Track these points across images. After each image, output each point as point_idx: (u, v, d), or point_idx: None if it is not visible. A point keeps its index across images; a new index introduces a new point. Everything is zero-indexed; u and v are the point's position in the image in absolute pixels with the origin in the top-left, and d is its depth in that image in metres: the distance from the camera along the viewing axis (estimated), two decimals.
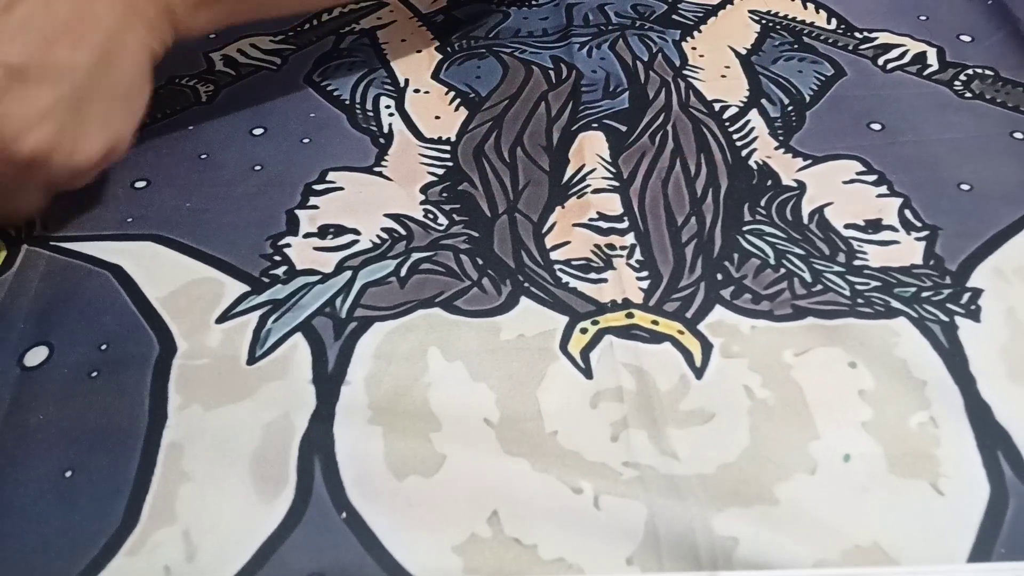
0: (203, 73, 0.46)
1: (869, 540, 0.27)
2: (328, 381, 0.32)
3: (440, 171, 0.40)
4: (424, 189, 0.39)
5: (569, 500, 0.28)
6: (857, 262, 0.35)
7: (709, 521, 0.27)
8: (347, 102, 0.44)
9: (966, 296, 0.34)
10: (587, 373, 0.32)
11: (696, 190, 0.38)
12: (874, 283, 0.34)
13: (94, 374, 0.32)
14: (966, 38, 0.46)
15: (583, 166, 0.40)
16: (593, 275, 0.35)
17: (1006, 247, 0.35)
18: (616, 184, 0.39)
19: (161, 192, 0.39)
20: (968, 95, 0.43)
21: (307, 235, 0.37)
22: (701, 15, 0.49)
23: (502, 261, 0.36)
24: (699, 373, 0.31)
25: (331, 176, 0.40)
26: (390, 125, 0.42)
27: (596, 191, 0.38)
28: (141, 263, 0.36)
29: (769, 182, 0.39)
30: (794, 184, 0.38)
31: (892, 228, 0.36)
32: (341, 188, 0.39)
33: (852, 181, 0.38)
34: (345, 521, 0.28)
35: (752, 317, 0.33)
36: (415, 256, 0.36)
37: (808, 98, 0.43)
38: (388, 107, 0.43)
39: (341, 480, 0.29)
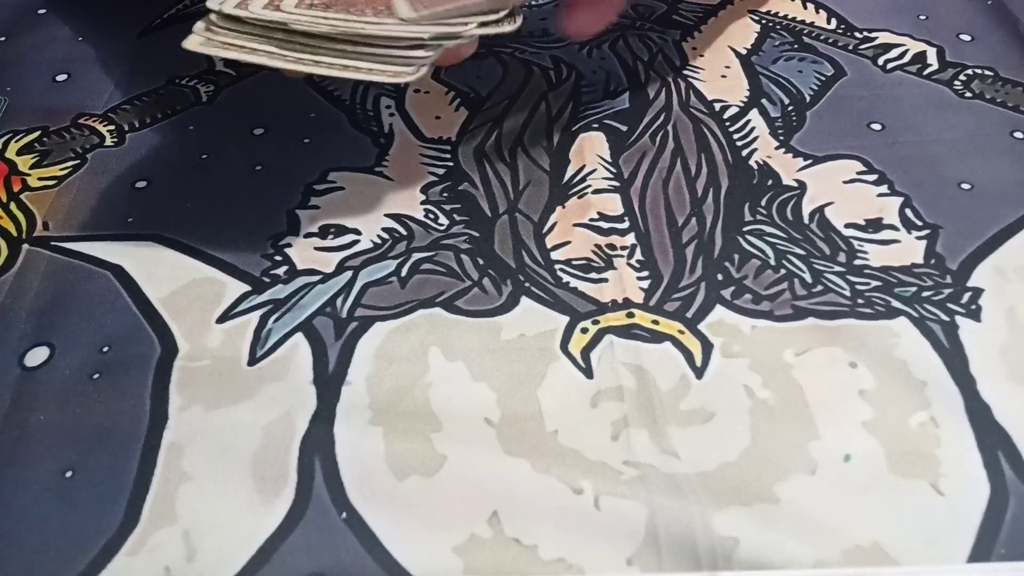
0: (203, 73, 0.46)
1: (869, 540, 0.27)
2: (329, 381, 0.32)
3: (441, 171, 0.40)
4: (425, 189, 0.39)
5: (569, 500, 0.28)
6: (858, 262, 0.35)
7: (709, 521, 0.27)
8: (347, 102, 0.44)
9: (967, 295, 0.34)
10: (587, 373, 0.32)
11: (697, 190, 0.38)
12: (875, 283, 0.34)
13: (95, 375, 0.32)
14: (966, 38, 0.46)
15: (583, 166, 0.40)
16: (594, 275, 0.35)
17: (1007, 246, 0.35)
18: (616, 184, 0.39)
19: (162, 192, 0.39)
20: (968, 95, 0.43)
21: (308, 235, 0.37)
22: (701, 15, 0.49)
23: (503, 261, 0.36)
24: (699, 373, 0.31)
25: (332, 176, 0.40)
26: (390, 125, 0.42)
27: (597, 191, 0.38)
28: (142, 263, 0.36)
29: (770, 182, 0.39)
30: (794, 184, 0.38)
31: (893, 227, 0.36)
32: (342, 188, 0.39)
33: (853, 181, 0.38)
34: (345, 521, 0.28)
35: (753, 317, 0.33)
36: (416, 256, 0.36)
37: (808, 98, 0.43)
38: (388, 107, 0.43)
39: (341, 480, 0.29)
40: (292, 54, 0.31)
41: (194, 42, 0.31)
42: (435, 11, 0.31)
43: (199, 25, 0.31)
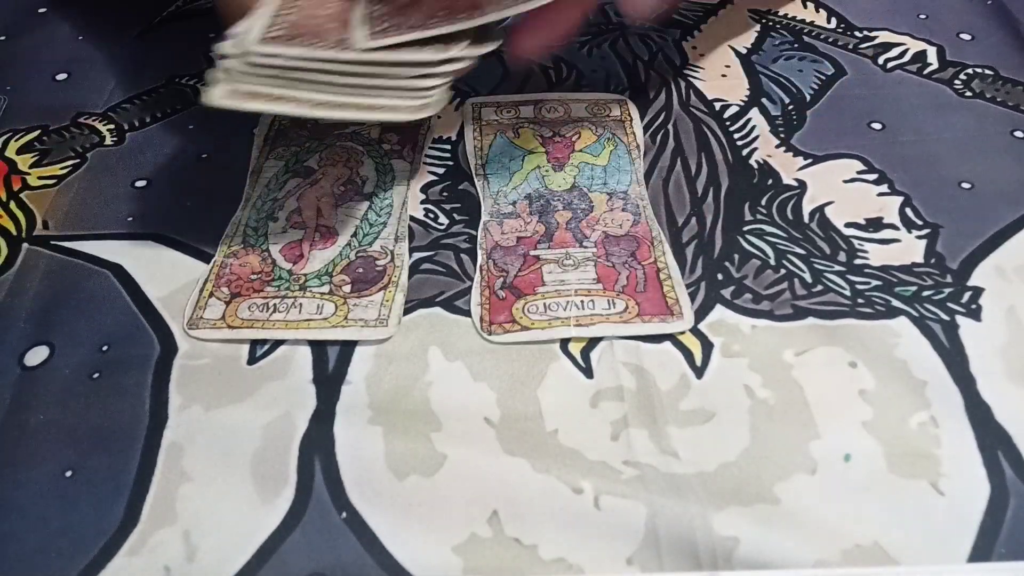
0: (203, 72, 0.45)
1: (869, 540, 0.27)
2: (329, 381, 0.32)
3: (441, 170, 0.40)
4: (424, 188, 0.39)
5: (569, 500, 0.28)
6: (858, 261, 0.35)
7: (709, 521, 0.27)
8: None
9: (967, 295, 0.34)
10: (587, 372, 0.32)
11: (697, 189, 0.38)
12: (875, 282, 0.34)
13: (95, 374, 0.32)
14: (966, 37, 0.46)
15: None
16: None
17: (1007, 245, 0.35)
18: None
19: (162, 191, 0.39)
20: (968, 94, 0.43)
21: None
22: (701, 15, 0.49)
23: None
24: (699, 372, 0.31)
25: None
26: None
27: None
28: (142, 262, 0.36)
29: (770, 181, 0.38)
30: (795, 183, 0.38)
31: (893, 227, 0.36)
32: None
33: (853, 180, 0.38)
34: (345, 521, 0.28)
35: (753, 317, 0.33)
36: (416, 256, 0.36)
37: (808, 97, 0.43)
38: None
39: (341, 480, 0.29)
40: (318, 96, 0.30)
41: (217, 96, 0.30)
42: (395, 39, 0.30)
43: (217, 75, 0.30)
